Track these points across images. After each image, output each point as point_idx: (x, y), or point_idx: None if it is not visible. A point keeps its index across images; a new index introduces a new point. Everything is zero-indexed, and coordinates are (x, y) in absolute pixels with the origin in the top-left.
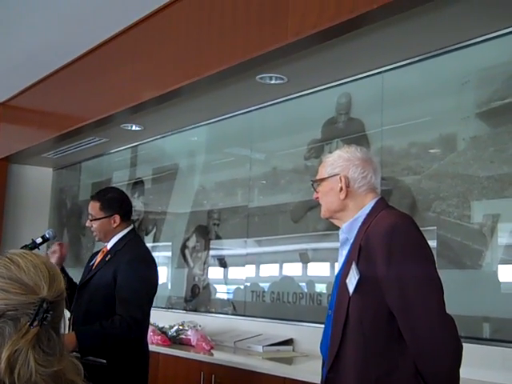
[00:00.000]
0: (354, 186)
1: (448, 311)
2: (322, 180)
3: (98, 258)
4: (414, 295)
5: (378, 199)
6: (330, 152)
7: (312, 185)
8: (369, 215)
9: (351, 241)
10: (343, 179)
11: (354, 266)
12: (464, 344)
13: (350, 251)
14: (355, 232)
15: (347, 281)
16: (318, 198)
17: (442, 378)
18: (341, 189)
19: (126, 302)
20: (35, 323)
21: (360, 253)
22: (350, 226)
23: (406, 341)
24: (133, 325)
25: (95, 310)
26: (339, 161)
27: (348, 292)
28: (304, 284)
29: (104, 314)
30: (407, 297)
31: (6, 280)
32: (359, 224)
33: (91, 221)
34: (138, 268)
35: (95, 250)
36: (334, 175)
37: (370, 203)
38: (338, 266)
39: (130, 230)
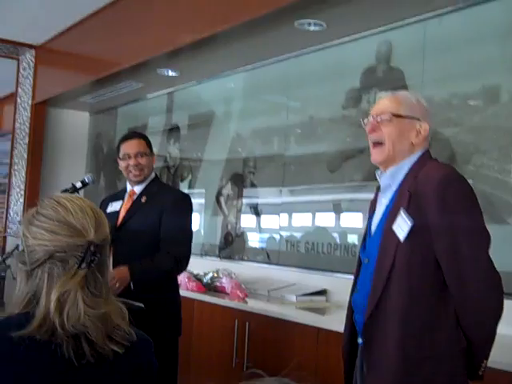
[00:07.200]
0: (425, 136)
1: None
2: (399, 116)
3: (127, 201)
4: (465, 244)
5: (426, 150)
6: (369, 102)
7: (372, 117)
8: (416, 164)
9: (394, 188)
10: (424, 126)
11: (403, 213)
12: (504, 301)
13: (394, 198)
14: (399, 179)
15: (394, 227)
16: (373, 131)
17: (481, 330)
18: (417, 134)
19: (174, 240)
20: (83, 265)
21: (410, 200)
22: (394, 172)
23: (451, 290)
24: (181, 259)
25: (139, 250)
26: (418, 107)
27: (396, 238)
28: (337, 235)
29: (148, 254)
30: (458, 245)
31: (55, 222)
32: (404, 172)
33: (142, 157)
34: (184, 208)
35: None
36: (415, 118)
37: (417, 152)
38: (376, 213)
39: (156, 175)
